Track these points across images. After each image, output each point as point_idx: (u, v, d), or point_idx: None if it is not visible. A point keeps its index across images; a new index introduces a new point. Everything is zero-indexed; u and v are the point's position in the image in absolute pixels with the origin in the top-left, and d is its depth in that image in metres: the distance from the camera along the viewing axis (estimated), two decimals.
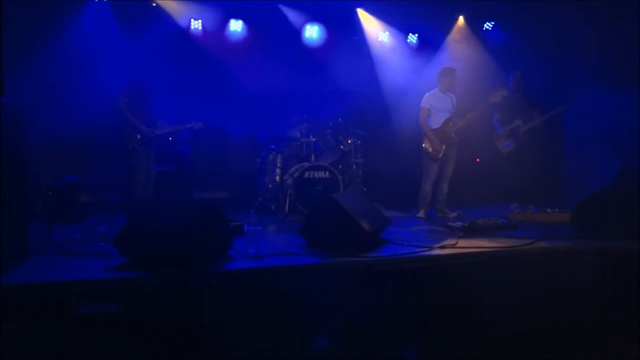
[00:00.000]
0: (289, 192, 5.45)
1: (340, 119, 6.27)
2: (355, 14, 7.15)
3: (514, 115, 5.91)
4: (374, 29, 7.29)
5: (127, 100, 5.23)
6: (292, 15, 6.93)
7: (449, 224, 4.32)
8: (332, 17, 7.08)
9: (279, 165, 5.89)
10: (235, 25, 6.74)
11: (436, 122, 5.49)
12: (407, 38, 7.49)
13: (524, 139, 5.87)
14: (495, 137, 6.12)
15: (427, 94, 5.55)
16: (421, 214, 5.51)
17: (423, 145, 5.49)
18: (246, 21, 6.79)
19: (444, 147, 5.42)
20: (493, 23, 7.47)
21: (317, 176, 5.52)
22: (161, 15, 6.34)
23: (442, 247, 3.49)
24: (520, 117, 5.86)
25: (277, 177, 5.86)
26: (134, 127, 5.21)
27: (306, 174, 5.49)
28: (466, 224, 4.19)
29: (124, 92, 5.23)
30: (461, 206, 5.61)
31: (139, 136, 5.23)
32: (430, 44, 7.50)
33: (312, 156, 5.79)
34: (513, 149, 5.95)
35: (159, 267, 2.86)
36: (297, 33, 7.04)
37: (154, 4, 6.29)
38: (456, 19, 7.39)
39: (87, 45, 5.93)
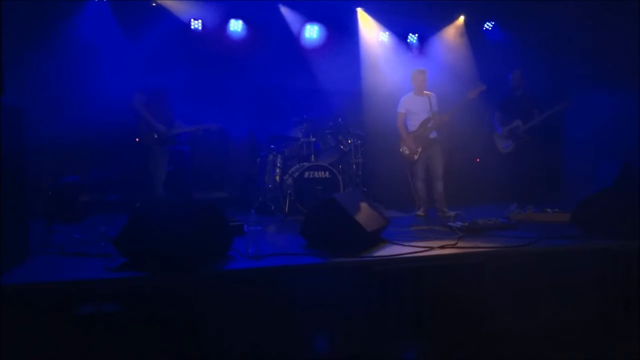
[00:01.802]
0: (289, 192, 5.45)
1: (340, 119, 6.28)
2: (356, 14, 7.15)
3: (513, 114, 5.89)
4: (374, 28, 7.29)
5: (145, 100, 5.20)
6: (293, 15, 6.93)
7: (449, 224, 4.32)
8: (333, 17, 7.07)
9: (279, 165, 5.89)
10: (235, 25, 6.74)
11: (413, 124, 5.55)
12: (407, 38, 7.49)
13: (524, 138, 5.85)
14: (495, 137, 6.11)
15: (402, 98, 5.64)
16: (420, 212, 5.53)
17: (400, 149, 5.59)
18: (246, 21, 6.79)
19: (420, 149, 5.47)
20: (493, 23, 7.48)
21: (317, 176, 5.52)
22: (161, 15, 6.33)
23: (442, 247, 3.49)
24: (520, 116, 5.85)
25: (277, 177, 5.86)
26: (150, 126, 5.18)
27: (306, 174, 5.49)
28: (466, 224, 4.19)
29: (141, 91, 5.21)
30: (461, 206, 5.61)
31: (155, 135, 5.21)
32: (430, 44, 7.51)
33: (312, 156, 5.79)
34: (513, 149, 5.93)
35: (159, 267, 2.86)
36: (297, 33, 7.04)
37: (154, 4, 6.29)
38: (456, 19, 7.40)
39: (87, 45, 5.93)
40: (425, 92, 5.52)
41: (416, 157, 5.50)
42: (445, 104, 5.60)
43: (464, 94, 5.37)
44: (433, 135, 5.51)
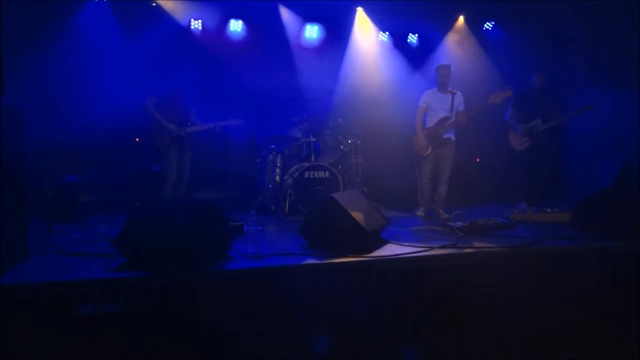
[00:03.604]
0: (289, 192, 5.45)
1: (340, 119, 6.28)
2: (356, 14, 7.15)
3: (532, 113, 5.73)
4: (373, 28, 7.29)
5: (155, 101, 5.25)
6: (293, 16, 6.93)
7: (449, 224, 4.32)
8: (333, 18, 7.08)
9: (279, 165, 5.89)
10: (235, 25, 6.75)
11: (431, 121, 5.49)
12: (407, 38, 7.50)
13: (542, 138, 5.70)
14: (510, 134, 5.92)
15: (424, 93, 5.56)
16: (420, 212, 5.52)
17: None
18: (246, 21, 6.79)
19: (430, 146, 5.40)
20: (493, 23, 7.48)
21: (317, 176, 5.52)
22: (161, 15, 6.34)
23: (442, 247, 3.49)
24: (539, 115, 5.68)
25: (277, 177, 5.86)
26: (161, 127, 5.22)
27: (306, 174, 5.49)
28: (466, 224, 4.19)
29: (153, 94, 5.26)
30: (461, 206, 5.61)
31: (167, 135, 5.25)
32: (430, 44, 7.52)
33: (312, 156, 5.79)
34: (527, 148, 5.77)
35: (159, 267, 2.86)
36: (297, 33, 7.05)
37: (154, 4, 6.30)
38: (456, 19, 7.41)
39: (86, 45, 5.93)
40: (450, 90, 5.39)
41: (425, 154, 5.42)
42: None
43: (486, 97, 5.19)
44: (447, 135, 5.39)
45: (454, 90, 5.40)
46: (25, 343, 2.53)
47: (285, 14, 6.88)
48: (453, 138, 5.44)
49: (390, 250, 3.44)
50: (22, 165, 3.15)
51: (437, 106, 5.42)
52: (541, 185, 5.88)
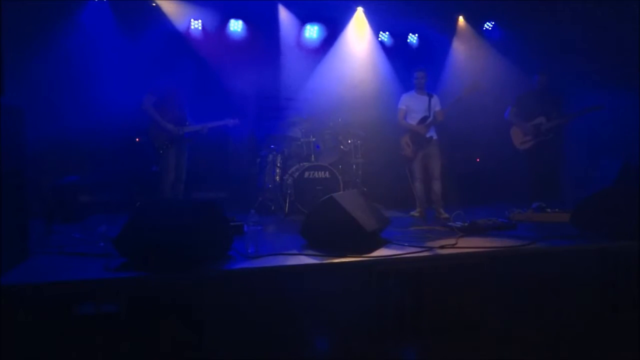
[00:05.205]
0: (289, 192, 5.45)
1: (340, 119, 6.28)
2: (355, 13, 7.15)
3: (534, 112, 5.70)
4: (374, 28, 7.29)
5: (154, 100, 5.24)
6: (292, 16, 6.93)
7: (449, 224, 4.32)
8: (333, 17, 7.08)
9: (279, 165, 5.89)
10: (235, 25, 6.75)
11: (412, 122, 5.57)
12: (407, 38, 7.50)
13: (547, 136, 5.66)
14: (514, 131, 5.88)
15: (402, 95, 5.67)
16: (416, 212, 5.53)
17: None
18: (246, 21, 6.79)
19: (412, 146, 5.48)
20: (493, 23, 7.48)
21: (317, 176, 5.52)
22: (161, 15, 6.34)
23: (442, 247, 3.49)
24: (542, 114, 5.66)
25: (277, 177, 5.86)
26: (160, 127, 5.21)
27: (306, 174, 5.49)
28: (466, 224, 4.19)
29: (151, 93, 5.24)
30: (461, 206, 5.61)
31: (166, 135, 5.25)
32: (430, 44, 7.52)
33: (312, 156, 5.79)
34: (531, 146, 5.74)
35: (159, 267, 2.86)
36: (298, 33, 7.05)
37: (154, 4, 6.30)
38: (456, 19, 7.40)
39: (87, 45, 5.93)
40: (427, 92, 5.53)
41: (409, 153, 5.49)
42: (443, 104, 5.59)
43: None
44: (430, 134, 5.48)
45: (431, 93, 5.55)
46: (25, 343, 2.53)
47: (285, 14, 6.88)
48: (435, 137, 5.52)
49: (390, 250, 3.44)
50: (22, 165, 3.15)
51: (416, 107, 5.54)
52: (545, 184, 5.86)
